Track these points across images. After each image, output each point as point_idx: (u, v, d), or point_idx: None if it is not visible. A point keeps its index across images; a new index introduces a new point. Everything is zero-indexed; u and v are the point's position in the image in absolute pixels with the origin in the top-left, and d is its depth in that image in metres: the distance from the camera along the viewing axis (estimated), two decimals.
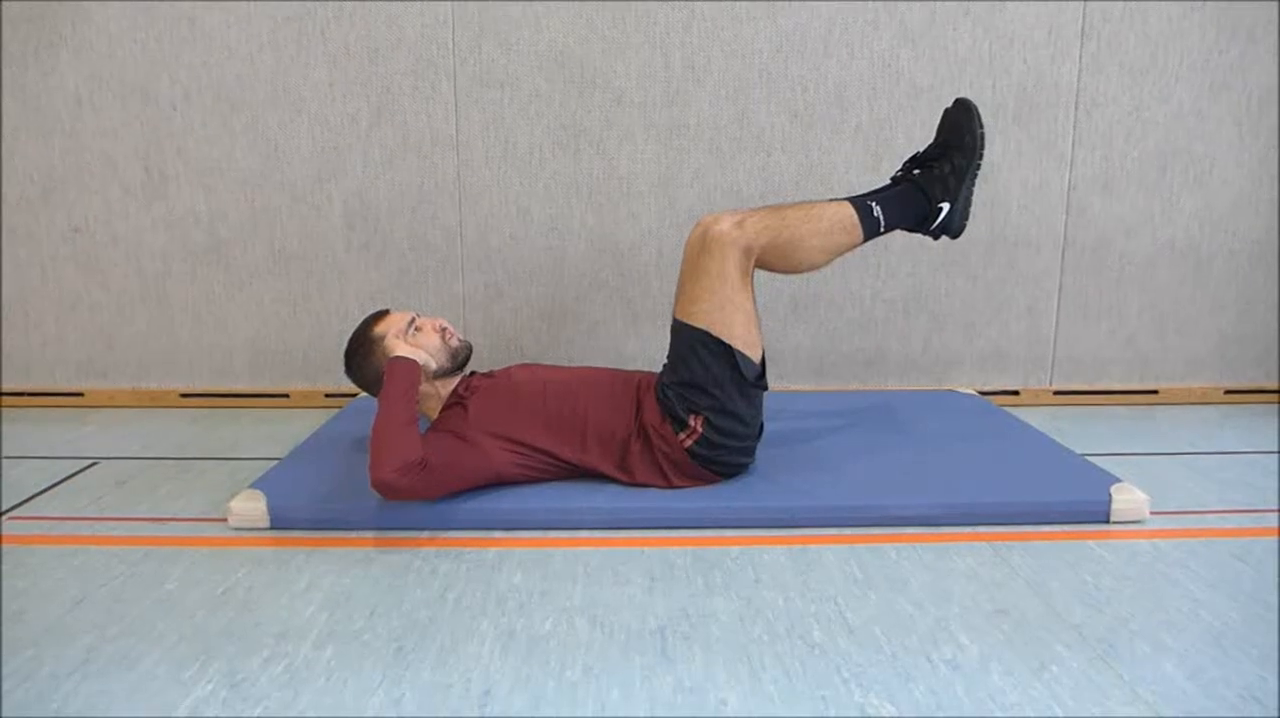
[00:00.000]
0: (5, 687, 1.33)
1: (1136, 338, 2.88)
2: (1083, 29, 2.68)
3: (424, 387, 2.03)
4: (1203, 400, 2.90)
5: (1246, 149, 2.75)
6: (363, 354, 2.08)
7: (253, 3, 2.66)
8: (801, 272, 2.04)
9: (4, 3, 2.65)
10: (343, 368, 2.13)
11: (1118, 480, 1.97)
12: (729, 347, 1.90)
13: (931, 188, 1.98)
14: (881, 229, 1.97)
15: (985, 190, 2.75)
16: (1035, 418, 2.56)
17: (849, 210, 1.96)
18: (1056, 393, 2.91)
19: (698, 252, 1.93)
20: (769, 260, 1.95)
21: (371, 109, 2.72)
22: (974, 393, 2.78)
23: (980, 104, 2.68)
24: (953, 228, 2.02)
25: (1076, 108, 2.73)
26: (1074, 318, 2.87)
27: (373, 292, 2.82)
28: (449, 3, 2.66)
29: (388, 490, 1.74)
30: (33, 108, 2.72)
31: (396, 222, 2.79)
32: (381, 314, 2.13)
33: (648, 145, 2.75)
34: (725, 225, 1.90)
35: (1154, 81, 2.71)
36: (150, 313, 2.85)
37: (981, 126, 1.96)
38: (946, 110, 2.04)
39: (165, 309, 2.85)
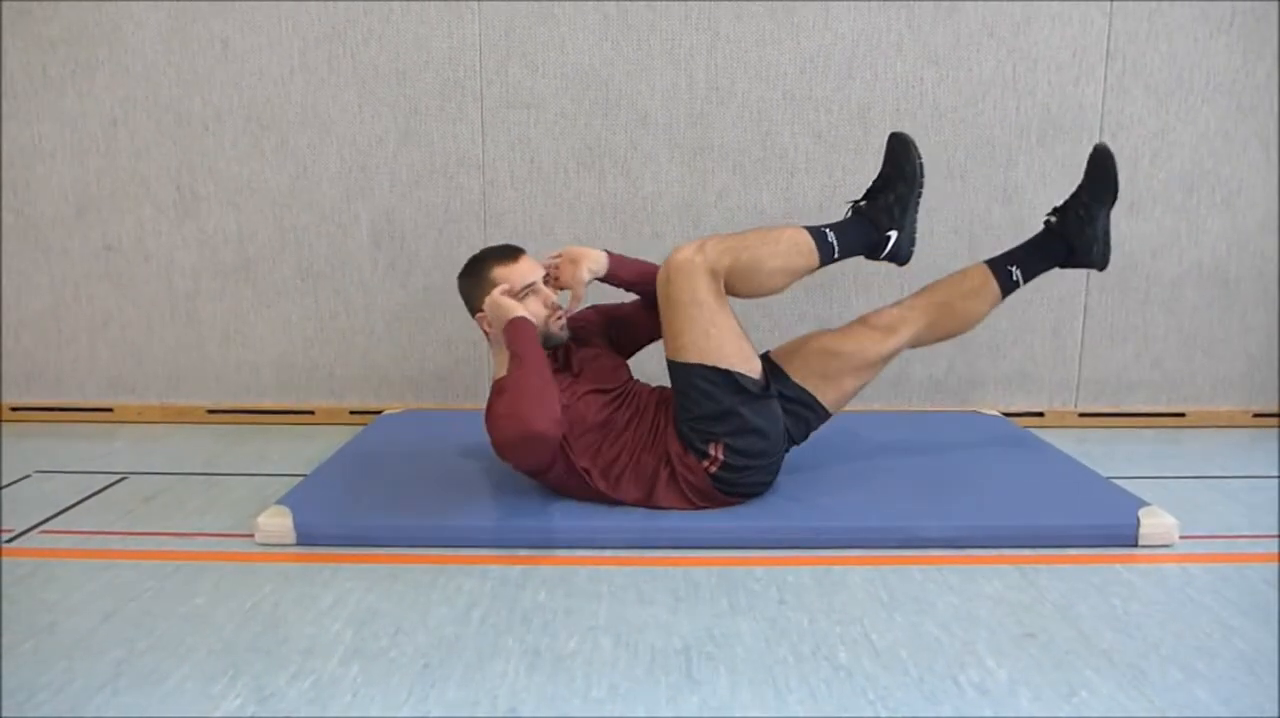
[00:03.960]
0: (38, 699, 1.35)
1: (1163, 360, 2.86)
2: (1107, 50, 2.68)
3: (498, 345, 2.00)
4: (1230, 423, 2.87)
5: (1274, 170, 2.73)
6: (471, 284, 2.04)
7: (285, 26, 2.71)
8: (763, 294, 2.03)
9: (44, 27, 2.71)
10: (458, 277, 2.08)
11: (1146, 504, 1.95)
12: (727, 371, 1.91)
13: (878, 218, 2.02)
14: (836, 254, 2.00)
15: (1010, 211, 2.75)
16: (1060, 440, 2.54)
17: (804, 235, 1.99)
18: (1082, 415, 2.88)
19: (665, 284, 1.94)
20: (732, 284, 1.95)
21: (399, 130, 2.76)
22: (998, 414, 2.77)
23: (1004, 125, 2.72)
24: (900, 255, 2.06)
25: (1101, 129, 2.72)
26: (1100, 339, 2.85)
27: (398, 310, 2.84)
28: (476, 26, 2.70)
29: (541, 441, 1.75)
30: (69, 129, 2.78)
31: (423, 241, 2.82)
32: (515, 254, 2.04)
33: (672, 166, 2.77)
34: (685, 253, 1.92)
35: (1180, 103, 2.70)
36: (179, 330, 2.89)
37: (919, 157, 2.02)
38: (887, 141, 2.08)
39: (194, 326, 2.89)
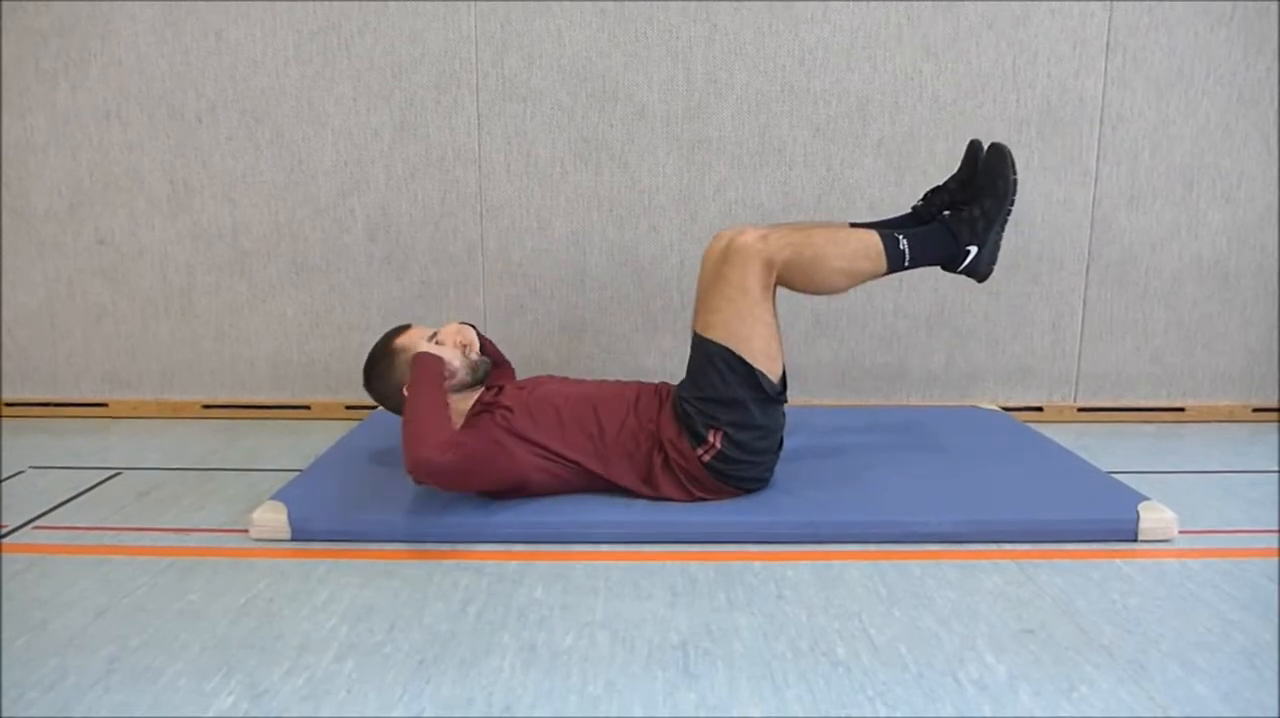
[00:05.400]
0: (29, 697, 1.33)
1: (1162, 354, 2.85)
2: (1108, 43, 2.67)
3: None
4: (1230, 418, 2.86)
5: (1275, 163, 2.72)
6: (384, 367, 2.08)
7: (279, 18, 2.69)
8: (822, 293, 2.04)
9: (36, 20, 2.69)
10: (362, 382, 2.14)
11: (1145, 499, 1.94)
12: (749, 365, 1.89)
13: (960, 231, 1.97)
14: (906, 264, 1.96)
15: None
16: (1059, 434, 2.53)
17: (875, 239, 1.95)
18: (1081, 409, 2.88)
19: (719, 262, 1.93)
20: (790, 278, 1.94)
21: (395, 123, 2.74)
22: (997, 409, 2.76)
23: (1003, 118, 2.70)
24: (979, 271, 2.01)
25: (1101, 122, 2.71)
26: (1099, 334, 2.84)
27: (394, 305, 2.83)
28: (472, 18, 2.68)
29: (427, 470, 1.73)
30: (62, 122, 2.76)
31: (418, 235, 2.80)
32: (403, 329, 2.15)
33: (669, 159, 2.75)
34: (749, 237, 1.90)
35: (1180, 95, 2.69)
36: (174, 324, 2.88)
37: (1015, 173, 1.95)
38: (972, 146, 2.03)
39: (189, 321, 2.87)
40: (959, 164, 2.07)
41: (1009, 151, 1.95)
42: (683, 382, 2.00)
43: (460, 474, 1.80)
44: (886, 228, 2.02)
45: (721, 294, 1.91)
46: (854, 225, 2.05)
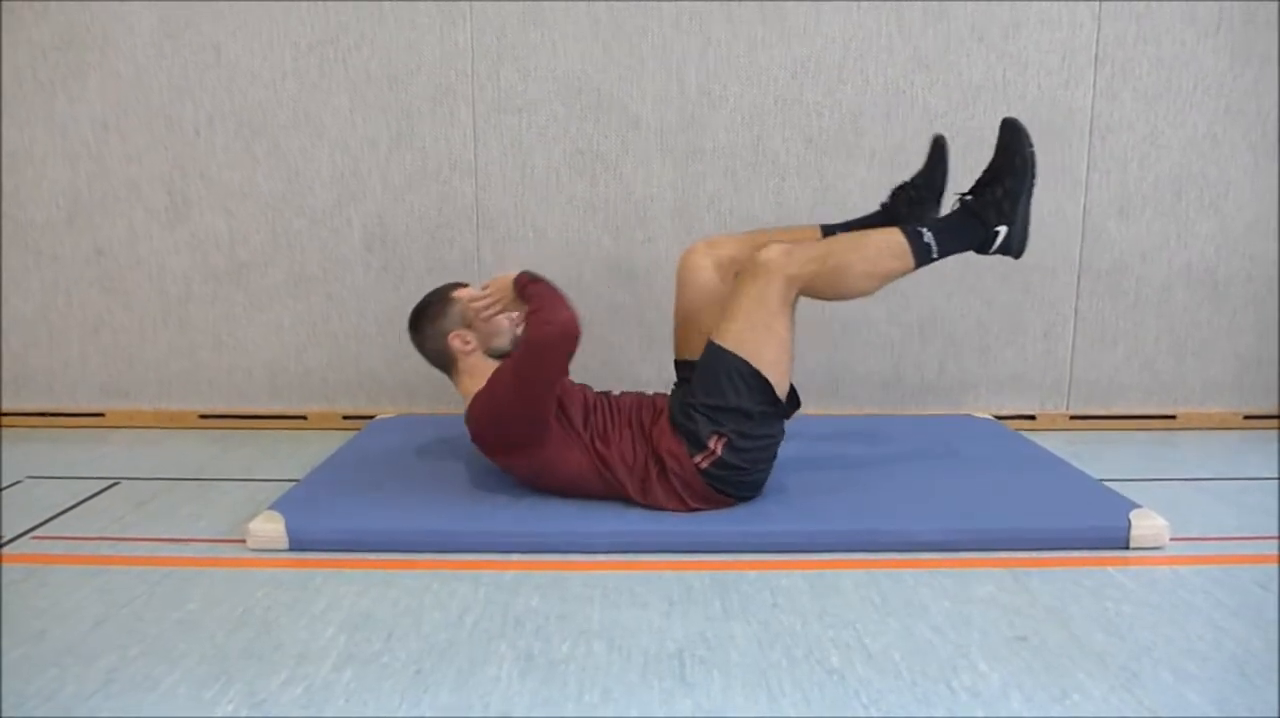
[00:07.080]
0: (28, 707, 1.34)
1: (1154, 362, 2.87)
2: (1096, 55, 2.70)
3: (476, 361, 2.09)
4: (1221, 426, 2.88)
5: (1262, 173, 2.75)
6: (437, 309, 2.10)
7: (276, 31, 2.71)
8: (850, 298, 2.06)
9: (35, 31, 2.71)
10: (408, 324, 2.15)
11: (1137, 506, 1.96)
12: (764, 377, 1.91)
13: (986, 213, 1.97)
14: (934, 255, 1.97)
15: None
16: (1052, 443, 2.55)
17: (898, 237, 1.97)
18: (1073, 418, 2.89)
19: (744, 274, 1.97)
20: (817, 289, 1.97)
21: (391, 134, 2.76)
22: (990, 417, 2.77)
23: (994, 129, 2.71)
24: (1012, 249, 2.01)
25: (1091, 133, 2.74)
26: (1090, 342, 2.86)
27: (391, 315, 2.84)
28: (468, 31, 2.70)
29: (576, 327, 1.88)
30: (60, 134, 2.77)
31: (415, 245, 2.81)
32: (458, 285, 2.17)
33: (663, 170, 2.77)
34: (774, 254, 1.93)
35: (1168, 106, 2.72)
36: (171, 334, 2.88)
37: (1031, 146, 1.96)
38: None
39: (186, 331, 2.88)
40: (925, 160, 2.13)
41: (1022, 126, 1.97)
42: (690, 387, 2.00)
43: (565, 354, 1.90)
44: (913, 224, 2.05)
45: (739, 304, 1.94)
46: (826, 227, 2.14)
